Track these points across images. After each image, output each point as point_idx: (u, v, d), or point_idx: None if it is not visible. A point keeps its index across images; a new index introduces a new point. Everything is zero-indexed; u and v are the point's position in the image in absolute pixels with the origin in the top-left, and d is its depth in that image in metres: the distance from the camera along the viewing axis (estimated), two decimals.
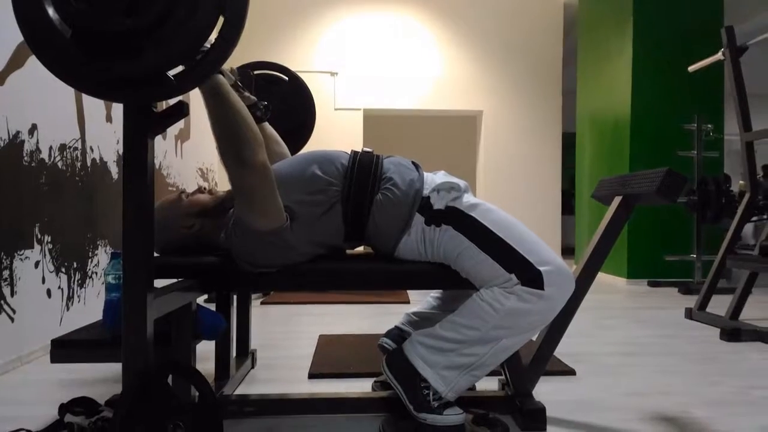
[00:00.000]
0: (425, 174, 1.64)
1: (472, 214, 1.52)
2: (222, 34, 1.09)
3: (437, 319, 1.56)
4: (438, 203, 1.54)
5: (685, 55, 4.91)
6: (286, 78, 2.23)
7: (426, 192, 1.57)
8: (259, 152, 1.39)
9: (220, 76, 1.38)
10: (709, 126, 5.01)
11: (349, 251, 1.75)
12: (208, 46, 1.13)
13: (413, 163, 1.67)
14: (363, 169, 1.58)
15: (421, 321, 1.81)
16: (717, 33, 3.75)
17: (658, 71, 5.26)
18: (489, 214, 1.53)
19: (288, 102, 2.22)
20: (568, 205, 7.66)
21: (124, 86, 1.10)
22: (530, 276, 1.44)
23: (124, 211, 1.20)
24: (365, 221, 1.56)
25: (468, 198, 1.57)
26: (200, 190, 1.69)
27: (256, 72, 2.10)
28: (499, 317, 1.44)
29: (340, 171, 1.58)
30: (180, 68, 1.14)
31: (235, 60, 1.47)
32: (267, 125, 1.97)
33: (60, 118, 2.59)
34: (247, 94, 1.87)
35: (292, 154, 2.05)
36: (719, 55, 3.57)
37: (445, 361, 1.48)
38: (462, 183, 1.60)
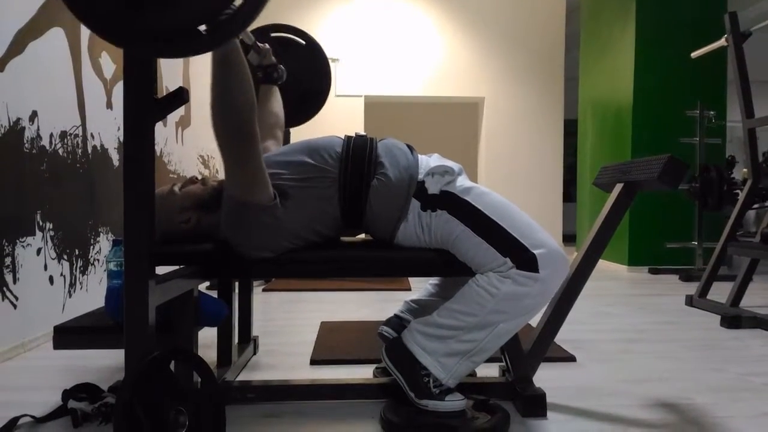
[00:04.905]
0: (420, 157, 1.64)
1: (467, 198, 1.52)
2: None
3: (436, 306, 1.56)
4: (432, 188, 1.54)
5: (687, 41, 4.88)
6: (303, 42, 2.22)
7: (421, 176, 1.56)
8: (251, 120, 1.38)
9: (236, 39, 1.36)
10: (712, 112, 4.99)
11: (348, 239, 1.75)
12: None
13: (407, 146, 1.67)
14: (357, 154, 1.57)
15: (420, 308, 1.81)
16: (720, 19, 3.72)
17: (661, 57, 5.23)
18: (483, 198, 1.53)
19: (304, 66, 2.21)
20: (569, 193, 7.66)
21: (158, 39, 1.08)
22: (525, 259, 1.44)
23: (125, 198, 1.20)
24: (362, 207, 1.56)
25: (462, 181, 1.57)
26: (192, 180, 1.65)
27: (272, 35, 2.12)
28: (495, 302, 1.44)
29: (334, 157, 1.57)
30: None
31: None
32: (276, 90, 1.99)
33: (60, 104, 2.58)
34: (267, 54, 1.92)
35: (304, 120, 2.15)
36: (722, 41, 3.55)
37: (444, 348, 1.48)
38: (456, 166, 1.60)
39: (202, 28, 1.10)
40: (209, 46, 1.11)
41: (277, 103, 2.05)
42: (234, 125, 1.37)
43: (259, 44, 1.89)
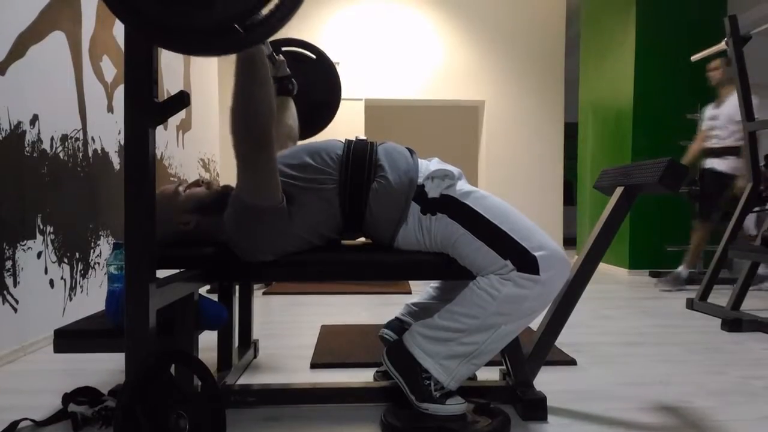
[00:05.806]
0: (419, 161, 1.64)
1: (466, 202, 1.52)
2: None
3: (437, 309, 1.56)
4: (432, 191, 1.54)
5: (688, 44, 4.88)
6: (314, 56, 2.25)
7: (420, 180, 1.57)
8: (270, 126, 1.40)
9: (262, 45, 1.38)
10: None
11: (348, 242, 1.76)
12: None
13: (408, 149, 1.67)
14: (357, 157, 1.58)
15: (420, 311, 1.81)
16: (720, 22, 3.72)
17: (661, 60, 5.24)
18: (483, 201, 1.53)
19: (314, 80, 2.24)
20: (570, 196, 7.65)
21: (197, 37, 1.08)
22: (525, 261, 1.44)
23: (125, 201, 1.20)
24: (362, 210, 1.56)
25: (461, 185, 1.58)
26: (198, 183, 1.66)
27: (284, 48, 2.15)
28: (497, 304, 1.45)
29: (335, 160, 1.58)
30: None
31: None
32: (291, 102, 2.03)
33: (61, 108, 2.59)
34: (281, 66, 1.95)
35: (314, 133, 2.19)
36: (722, 45, 3.55)
37: (446, 350, 1.48)
38: (455, 170, 1.60)
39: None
40: (245, 44, 1.12)
41: (291, 115, 2.06)
42: (254, 130, 1.38)
43: (274, 55, 1.91)
